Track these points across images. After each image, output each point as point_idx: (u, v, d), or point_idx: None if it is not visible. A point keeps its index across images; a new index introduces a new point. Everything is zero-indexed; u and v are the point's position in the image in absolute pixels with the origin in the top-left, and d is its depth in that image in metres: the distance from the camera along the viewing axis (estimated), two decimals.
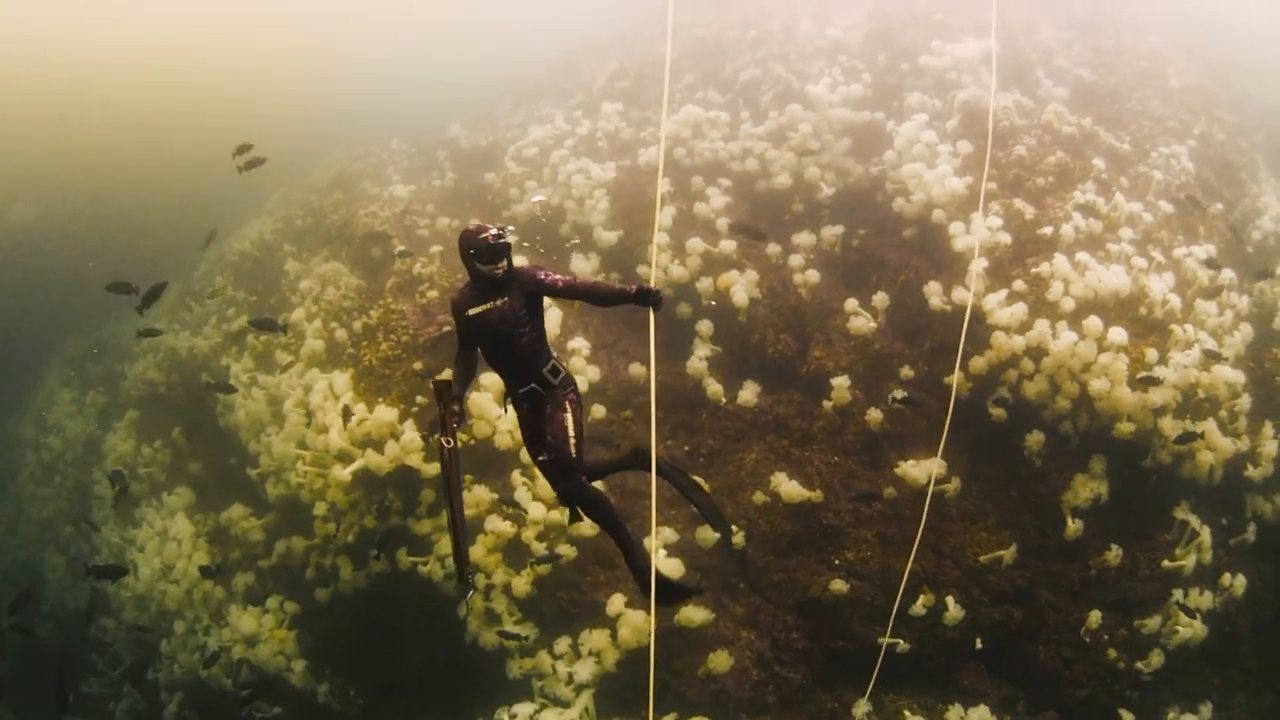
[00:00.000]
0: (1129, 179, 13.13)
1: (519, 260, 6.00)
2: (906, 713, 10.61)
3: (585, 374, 12.30)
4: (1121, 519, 11.20)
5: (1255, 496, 11.49)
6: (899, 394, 11.44)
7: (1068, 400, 10.99)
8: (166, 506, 14.81)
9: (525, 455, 10.35)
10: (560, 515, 11.17)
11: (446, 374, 6.09)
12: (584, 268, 13.37)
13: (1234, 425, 11.19)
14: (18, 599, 13.84)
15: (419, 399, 12.26)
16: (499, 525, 11.25)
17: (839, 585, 11.07)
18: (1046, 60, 15.42)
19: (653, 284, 5.87)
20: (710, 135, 14.41)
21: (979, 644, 11.03)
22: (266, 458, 13.26)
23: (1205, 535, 11.02)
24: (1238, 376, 11.14)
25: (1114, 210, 12.25)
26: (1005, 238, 11.78)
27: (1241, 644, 11.43)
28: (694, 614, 10.77)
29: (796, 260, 12.98)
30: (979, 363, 11.26)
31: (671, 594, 6.33)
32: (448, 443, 5.84)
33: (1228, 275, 11.97)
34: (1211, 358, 11.00)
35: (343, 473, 11.77)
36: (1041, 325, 10.98)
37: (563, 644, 10.94)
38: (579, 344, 12.64)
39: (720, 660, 10.73)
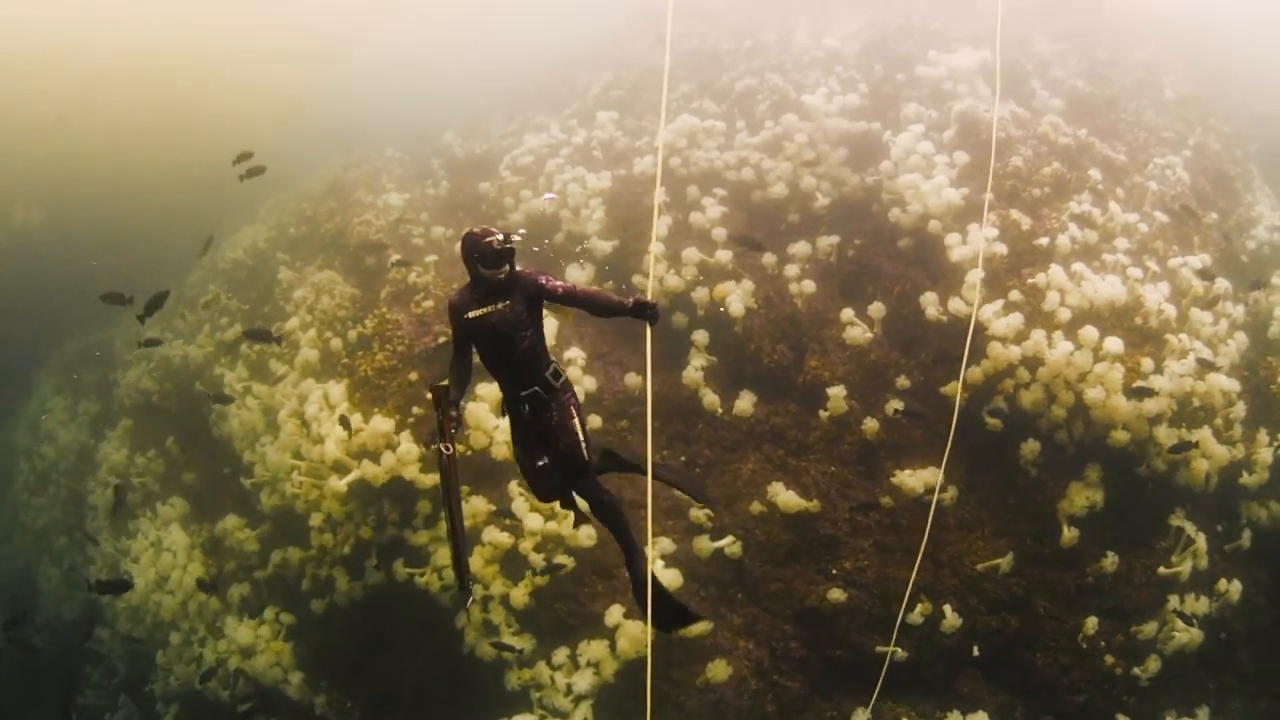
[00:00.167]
0: (1124, 189, 13.20)
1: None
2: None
3: (581, 384, 12.30)
4: (1117, 526, 11.25)
5: (1250, 503, 11.57)
6: (899, 406, 11.47)
7: (1063, 409, 11.04)
8: (161, 517, 14.76)
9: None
10: (558, 526, 11.17)
11: (444, 381, 6.09)
12: (579, 277, 13.38)
13: (1229, 433, 11.26)
14: (13, 617, 13.77)
15: (415, 410, 12.24)
16: (496, 536, 11.24)
17: (836, 594, 11.09)
18: (1042, 71, 15.49)
19: (650, 295, 5.88)
20: (706, 145, 14.43)
21: (976, 651, 11.07)
22: (261, 468, 13.23)
23: (1200, 542, 11.07)
24: (1232, 385, 11.21)
25: (1109, 220, 12.31)
26: (1001, 248, 11.82)
27: (1237, 649, 11.49)
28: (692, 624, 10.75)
29: (792, 270, 12.98)
30: (975, 373, 11.29)
31: (671, 614, 6.30)
32: (446, 448, 5.85)
33: (1222, 285, 12.03)
34: (1206, 366, 11.05)
35: (339, 483, 11.74)
36: (1038, 335, 11.03)
37: (561, 655, 10.93)
38: (574, 354, 12.63)
39: (719, 670, 10.72)
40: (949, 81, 14.35)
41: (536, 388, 6.03)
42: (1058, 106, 14.42)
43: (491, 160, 16.35)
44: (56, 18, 21.25)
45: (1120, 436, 10.91)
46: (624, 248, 13.61)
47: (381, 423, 11.90)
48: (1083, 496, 11.09)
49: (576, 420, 6.12)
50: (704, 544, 11.21)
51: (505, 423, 6.37)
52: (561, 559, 11.14)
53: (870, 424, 11.77)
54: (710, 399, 12.40)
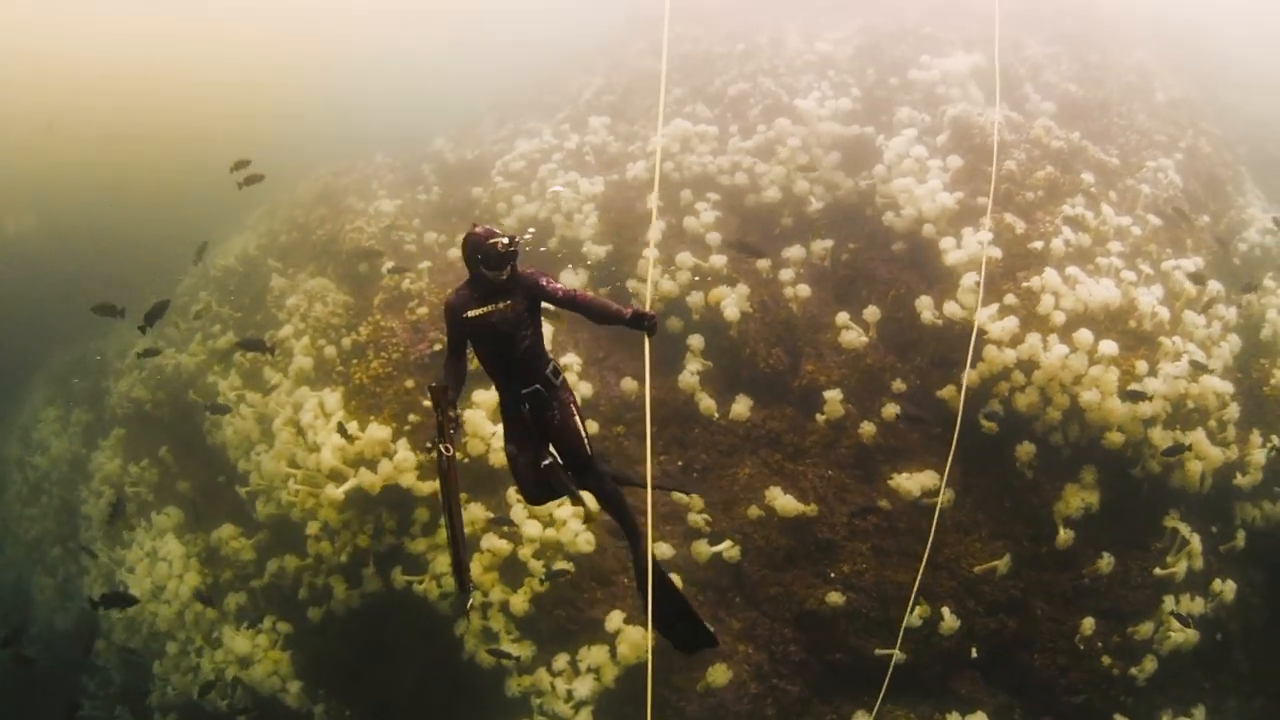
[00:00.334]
0: (1117, 192, 13.27)
1: None
2: None
3: (577, 390, 12.28)
4: (1113, 528, 11.30)
5: (1244, 504, 11.66)
6: (899, 411, 11.51)
7: (1059, 412, 11.09)
8: (155, 526, 14.68)
9: None
10: (556, 532, 11.17)
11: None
12: (573, 282, 13.37)
13: (1223, 435, 11.33)
14: (11, 633, 13.68)
15: (411, 417, 12.22)
16: (495, 543, 11.23)
17: (835, 598, 11.11)
18: (1035, 75, 15.56)
19: (648, 301, 5.91)
20: (699, 149, 14.42)
21: (974, 653, 11.09)
22: (256, 476, 13.17)
23: (1195, 543, 11.13)
24: (1226, 387, 11.27)
25: (1103, 224, 12.37)
26: (996, 252, 11.86)
27: (1233, 649, 11.56)
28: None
29: (787, 274, 12.98)
30: (971, 376, 11.32)
31: (689, 632, 6.36)
32: (447, 449, 5.86)
33: (1215, 287, 12.10)
34: (1200, 369, 11.12)
35: (335, 492, 11.71)
36: (1033, 338, 11.08)
37: (561, 661, 10.93)
38: (570, 360, 12.63)
39: (718, 674, 10.73)
40: (942, 85, 14.39)
41: (538, 385, 6.07)
42: (1050, 110, 14.48)
43: (483, 165, 16.33)
44: (46, 22, 21.16)
45: (1115, 439, 10.96)
46: (618, 252, 13.61)
47: (378, 430, 11.88)
48: (1078, 498, 11.14)
49: (577, 417, 6.20)
50: (702, 548, 11.23)
51: (501, 429, 6.41)
52: (561, 564, 11.13)
53: (867, 427, 11.79)
54: (706, 403, 12.40)
